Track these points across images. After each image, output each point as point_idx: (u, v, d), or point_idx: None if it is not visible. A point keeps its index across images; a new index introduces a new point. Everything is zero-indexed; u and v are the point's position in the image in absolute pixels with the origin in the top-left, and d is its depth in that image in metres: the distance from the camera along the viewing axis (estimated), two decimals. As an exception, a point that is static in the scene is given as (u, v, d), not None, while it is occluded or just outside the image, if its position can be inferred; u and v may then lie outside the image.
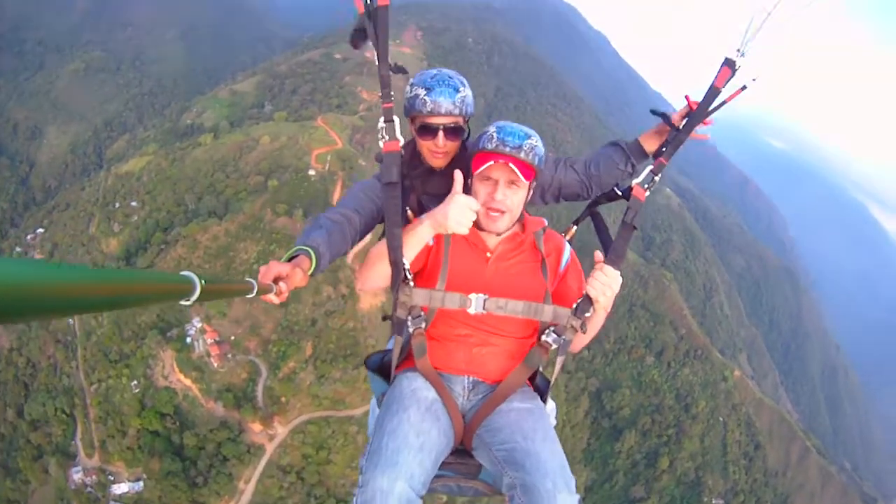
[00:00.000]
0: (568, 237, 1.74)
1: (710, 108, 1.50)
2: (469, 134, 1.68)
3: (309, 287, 37.84)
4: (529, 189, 1.55)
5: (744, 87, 1.47)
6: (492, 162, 1.44)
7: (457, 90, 1.56)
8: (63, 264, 0.44)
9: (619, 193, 1.70)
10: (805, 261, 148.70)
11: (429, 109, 1.53)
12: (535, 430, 1.44)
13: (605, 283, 1.46)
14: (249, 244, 39.37)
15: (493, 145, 1.46)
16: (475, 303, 1.50)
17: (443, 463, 1.47)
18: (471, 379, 1.55)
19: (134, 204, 46.87)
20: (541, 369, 1.63)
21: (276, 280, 1.29)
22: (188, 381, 34.98)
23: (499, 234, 1.56)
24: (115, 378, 35.37)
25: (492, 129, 1.49)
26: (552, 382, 1.62)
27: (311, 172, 43.86)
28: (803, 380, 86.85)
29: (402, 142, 1.51)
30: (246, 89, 61.35)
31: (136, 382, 34.86)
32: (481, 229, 1.55)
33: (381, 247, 1.47)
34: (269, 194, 41.90)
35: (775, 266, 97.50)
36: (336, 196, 40.91)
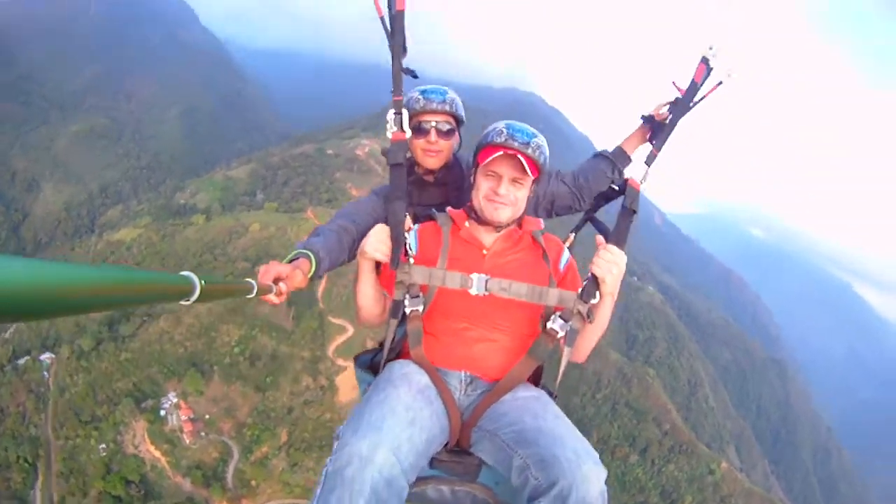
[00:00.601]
0: (567, 244, 1.89)
1: (693, 101, 1.77)
2: (461, 144, 2.07)
3: (288, 375, 48.04)
4: (531, 189, 1.75)
5: (720, 83, 1.75)
6: (500, 153, 1.62)
7: (446, 93, 1.96)
8: (64, 263, 0.49)
9: (617, 189, 1.95)
10: (792, 347, 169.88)
11: (421, 106, 1.91)
12: (546, 411, 1.48)
13: (611, 261, 1.58)
14: (232, 327, 50.34)
15: (503, 139, 1.64)
16: (476, 283, 1.62)
17: (435, 460, 1.52)
18: (468, 375, 1.61)
19: (121, 275, 60.29)
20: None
21: (275, 280, 1.49)
22: (158, 453, 40.47)
23: (497, 230, 1.72)
24: (83, 438, 41.09)
25: (501, 124, 1.69)
26: (559, 378, 1.69)
27: None
28: (795, 465, 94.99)
29: (408, 133, 1.74)
30: (239, 176, 77.50)
31: (104, 446, 40.77)
32: (481, 223, 1.72)
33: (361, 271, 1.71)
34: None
35: (761, 356, 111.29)
36: (322, 288, 52.34)
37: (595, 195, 2.10)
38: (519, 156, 1.62)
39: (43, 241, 71.99)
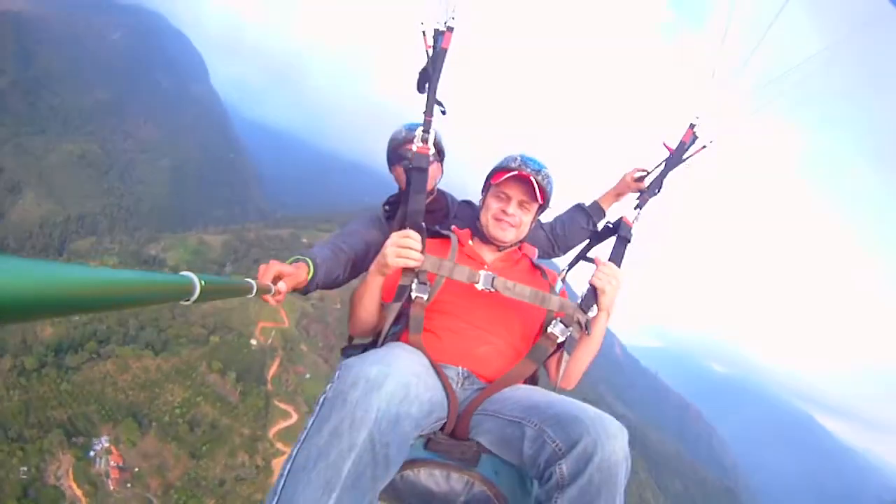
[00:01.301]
0: (560, 278, 2.30)
1: (682, 158, 2.40)
2: (442, 174, 2.58)
3: (225, 447, 59.05)
4: (535, 216, 2.24)
5: (703, 147, 2.39)
6: (514, 173, 2.09)
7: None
8: (65, 264, 0.57)
9: (611, 226, 2.38)
10: (748, 475, 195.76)
11: (403, 136, 2.54)
12: (552, 394, 1.72)
13: (610, 274, 2.01)
14: (177, 388, 61.97)
15: (517, 164, 2.15)
16: (484, 279, 1.97)
17: (431, 441, 1.67)
18: (465, 370, 1.86)
19: (79, 305, 73.88)
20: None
21: (275, 280, 1.75)
22: (79, 492, 46.18)
23: (500, 249, 2.21)
24: (5, 454, 47.10)
25: (516, 153, 2.20)
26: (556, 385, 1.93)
27: (253, 342, 70.53)
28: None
29: (432, 150, 2.14)
30: (213, 243, 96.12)
31: (25, 468, 47.23)
32: (485, 242, 2.22)
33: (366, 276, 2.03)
34: (209, 349, 67.67)
35: (715, 486, 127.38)
36: (273, 371, 64.79)
37: (569, 245, 2.70)
38: (531, 178, 2.10)
39: (11, 246, 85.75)
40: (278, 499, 1.19)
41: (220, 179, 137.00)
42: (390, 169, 2.69)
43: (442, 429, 1.74)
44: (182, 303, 0.95)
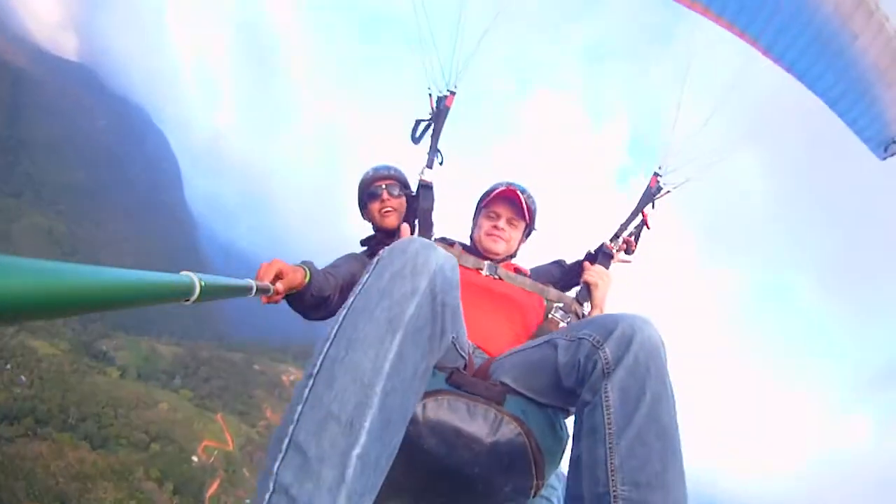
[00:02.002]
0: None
1: (650, 199, 3.18)
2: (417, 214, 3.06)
3: None
4: (523, 235, 2.93)
5: (668, 192, 3.19)
6: (503, 189, 2.77)
7: (391, 166, 3.34)
8: (66, 264, 0.66)
9: (593, 252, 3.00)
10: None
11: (370, 176, 3.28)
12: None
13: (601, 272, 2.68)
14: (110, 487, 70.81)
15: (504, 185, 2.83)
16: (488, 266, 2.60)
17: (455, 372, 1.85)
18: (472, 344, 2.10)
19: (23, 379, 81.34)
20: None
21: (275, 278, 2.07)
22: None
23: (493, 260, 2.77)
24: None
25: (502, 179, 2.90)
26: None
27: (195, 458, 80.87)
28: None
29: (431, 180, 2.95)
30: (165, 353, 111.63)
31: None
32: (481, 256, 2.80)
33: None
34: (148, 455, 78.65)
35: None
36: (212, 491, 74.63)
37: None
38: (518, 195, 2.75)
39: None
40: (336, 333, 1.28)
41: None
42: (363, 212, 3.40)
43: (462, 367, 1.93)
44: (182, 302, 1.09)
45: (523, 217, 2.88)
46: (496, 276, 2.65)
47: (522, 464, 1.78)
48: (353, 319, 1.31)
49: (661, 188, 3.32)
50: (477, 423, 1.77)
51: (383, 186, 3.28)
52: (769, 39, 3.60)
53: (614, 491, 1.37)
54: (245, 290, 1.57)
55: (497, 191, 2.85)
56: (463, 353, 1.93)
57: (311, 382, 1.20)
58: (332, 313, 2.79)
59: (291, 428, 1.13)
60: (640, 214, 3.22)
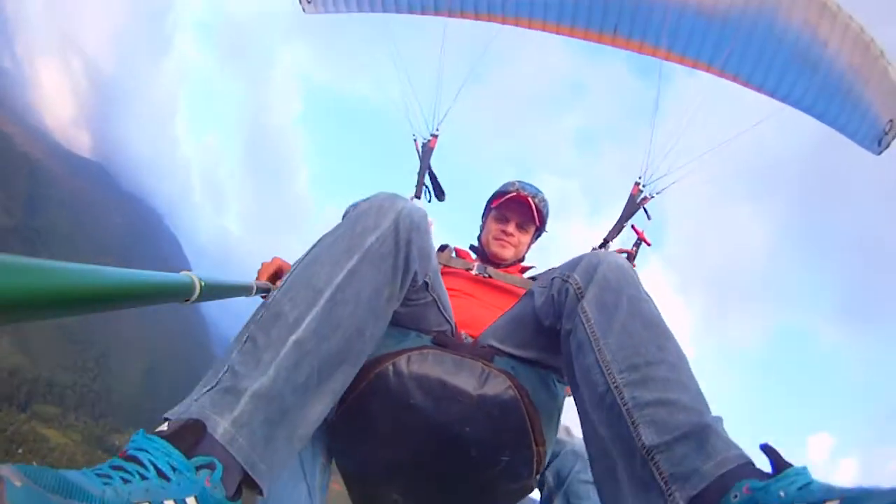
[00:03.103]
0: None
1: (634, 207, 3.28)
2: None
3: None
4: (532, 238, 2.89)
5: (652, 197, 3.29)
6: (514, 193, 2.71)
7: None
8: (66, 263, 0.64)
9: None
10: None
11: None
12: None
13: None
14: None
15: (515, 188, 2.76)
16: (477, 267, 2.59)
17: (437, 335, 1.87)
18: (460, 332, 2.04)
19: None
20: None
21: (275, 277, 2.03)
22: None
23: (499, 266, 2.75)
24: None
25: (514, 179, 2.86)
26: None
27: None
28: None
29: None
30: None
31: None
32: (484, 261, 2.77)
33: None
34: None
35: None
36: None
37: None
38: (529, 200, 2.69)
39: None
40: (303, 258, 1.40)
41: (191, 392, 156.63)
42: None
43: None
44: (182, 302, 1.10)
45: (534, 221, 2.80)
46: (485, 275, 2.59)
47: (517, 420, 1.71)
48: (318, 249, 1.41)
49: (644, 195, 3.40)
50: (463, 375, 1.71)
51: None
52: (748, 73, 3.77)
53: (614, 384, 1.28)
54: (246, 290, 1.59)
55: (508, 195, 2.76)
56: (448, 318, 1.93)
57: (276, 293, 1.31)
58: None
59: (251, 325, 1.24)
60: (633, 229, 3.21)
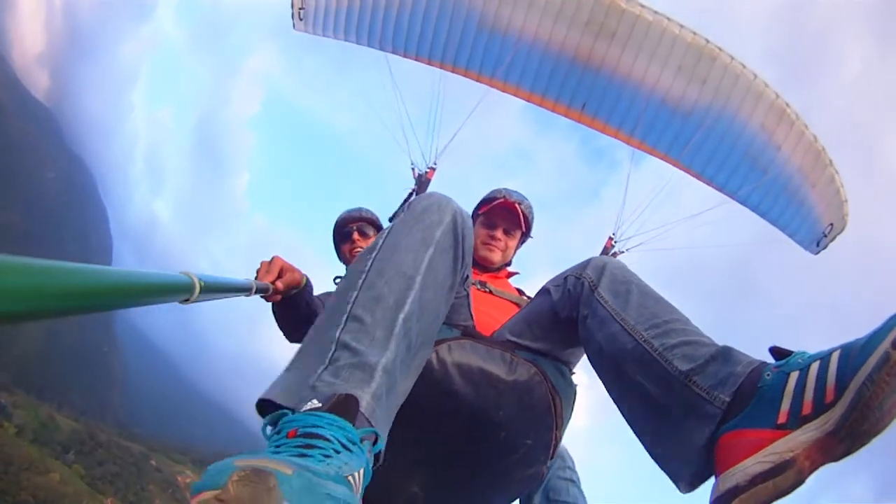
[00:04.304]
0: None
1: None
2: None
3: None
4: (519, 243, 2.98)
5: (622, 252, 3.58)
6: (501, 200, 2.81)
7: (362, 207, 3.43)
8: (64, 263, 0.64)
9: None
10: None
11: (342, 218, 3.38)
12: None
13: None
14: None
15: (502, 195, 2.86)
16: (478, 283, 2.58)
17: (465, 330, 2.00)
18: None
19: None
20: None
21: (276, 277, 2.08)
22: None
23: (486, 269, 2.83)
24: None
25: (500, 187, 2.94)
26: None
27: None
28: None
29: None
30: (62, 425, 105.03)
31: None
32: (475, 265, 2.77)
33: None
34: None
35: None
36: None
37: None
38: (516, 206, 2.82)
39: None
40: (382, 244, 1.50)
41: (88, 369, 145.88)
42: (338, 253, 3.49)
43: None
44: (181, 303, 1.10)
45: (520, 226, 2.92)
46: (486, 290, 2.64)
47: (543, 404, 1.89)
48: (395, 237, 1.51)
49: (616, 251, 3.63)
50: (496, 363, 1.88)
51: (354, 228, 3.39)
52: (701, 166, 3.93)
53: (642, 339, 1.52)
54: (245, 290, 1.59)
55: (496, 202, 2.89)
56: (472, 314, 2.07)
57: (364, 276, 1.40)
58: None
59: (349, 305, 1.32)
60: None
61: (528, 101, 4.05)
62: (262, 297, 2.10)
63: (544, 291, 2.01)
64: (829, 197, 3.78)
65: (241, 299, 1.68)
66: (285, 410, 1.04)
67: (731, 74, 3.61)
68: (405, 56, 4.06)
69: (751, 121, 3.66)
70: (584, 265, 1.85)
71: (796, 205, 3.88)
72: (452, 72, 4.02)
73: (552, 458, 1.98)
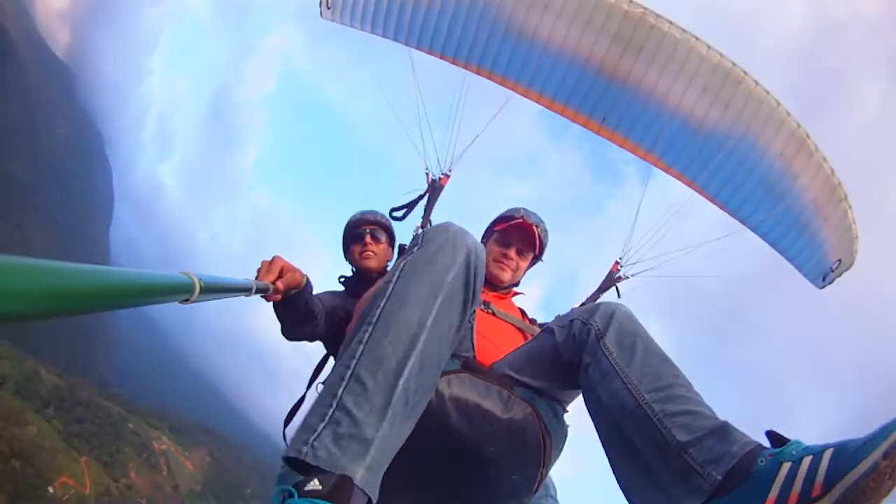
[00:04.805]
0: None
1: (612, 282, 3.77)
2: (392, 257, 3.30)
3: None
4: (529, 265, 2.99)
5: (627, 277, 3.75)
6: (520, 220, 2.83)
7: (378, 211, 3.43)
8: (63, 263, 0.64)
9: None
10: None
11: (357, 218, 3.37)
12: None
13: None
14: None
15: (521, 214, 2.89)
16: (483, 303, 2.56)
17: (466, 362, 2.06)
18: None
19: None
20: None
21: (279, 275, 2.12)
22: None
23: (495, 288, 2.83)
24: None
25: (519, 206, 2.98)
26: None
27: (50, 489, 76.80)
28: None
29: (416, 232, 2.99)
30: (45, 380, 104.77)
31: None
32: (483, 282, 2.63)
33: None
34: (5, 469, 73.48)
35: None
36: None
37: None
38: (532, 228, 2.84)
39: None
40: (391, 292, 1.53)
41: (76, 327, 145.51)
42: (345, 252, 3.48)
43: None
44: (181, 303, 1.11)
45: (534, 249, 2.92)
46: (490, 311, 2.62)
47: (533, 444, 1.93)
48: (404, 285, 1.55)
49: (622, 275, 3.72)
50: (493, 400, 1.93)
51: (367, 231, 3.37)
52: (716, 189, 3.91)
53: (643, 401, 1.57)
54: (245, 290, 1.60)
55: (514, 221, 2.91)
56: (473, 345, 2.17)
57: (370, 329, 1.47)
58: (318, 337, 2.96)
59: (354, 363, 1.40)
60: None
61: (549, 108, 4.01)
62: (262, 296, 2.11)
63: (549, 331, 2.05)
64: (841, 232, 3.77)
65: (241, 298, 1.68)
66: (291, 490, 1.18)
67: (754, 99, 3.59)
68: (430, 53, 4.02)
69: (770, 148, 3.64)
70: (593, 311, 1.89)
71: (808, 237, 3.86)
72: (476, 73, 3.98)
73: (536, 491, 2.02)
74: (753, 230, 3.96)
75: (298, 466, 1.28)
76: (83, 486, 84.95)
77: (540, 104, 4.00)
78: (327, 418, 1.31)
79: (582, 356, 1.83)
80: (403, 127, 3.87)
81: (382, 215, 3.49)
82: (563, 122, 4.05)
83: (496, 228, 2.98)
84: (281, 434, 2.73)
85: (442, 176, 3.60)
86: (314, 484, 1.18)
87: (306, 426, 1.33)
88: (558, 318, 2.19)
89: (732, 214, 3.96)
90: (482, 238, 3.13)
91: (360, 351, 1.42)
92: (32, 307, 0.57)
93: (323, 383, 1.66)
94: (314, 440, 1.27)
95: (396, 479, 1.78)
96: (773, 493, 1.23)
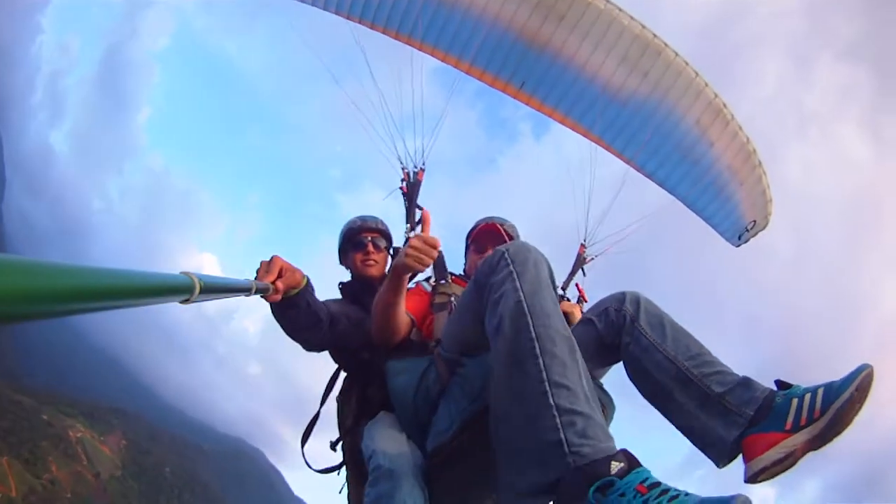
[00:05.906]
0: None
1: (581, 265, 4.09)
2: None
3: None
4: None
5: (592, 258, 4.05)
6: (484, 224, 3.30)
7: (379, 218, 3.46)
8: (62, 262, 0.63)
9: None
10: None
11: (358, 225, 3.38)
12: None
13: (573, 304, 3.33)
14: None
15: (483, 221, 3.37)
16: None
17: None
18: None
19: None
20: None
21: (278, 275, 2.14)
22: None
23: None
24: None
25: (484, 217, 3.48)
26: None
27: None
28: None
29: (410, 233, 3.14)
30: None
31: None
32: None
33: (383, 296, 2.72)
34: None
35: None
36: None
37: None
38: (498, 228, 3.27)
39: None
40: (530, 310, 1.87)
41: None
42: (342, 256, 3.49)
43: None
44: (181, 303, 1.10)
45: (506, 241, 3.10)
46: None
47: None
48: (538, 301, 1.89)
49: (586, 257, 4.05)
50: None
51: (369, 238, 3.34)
52: (633, 153, 4.00)
53: (683, 366, 2.11)
54: (245, 290, 1.57)
55: (480, 227, 3.36)
56: None
57: (537, 343, 1.78)
58: (327, 343, 2.92)
59: (544, 374, 1.71)
60: (577, 288, 3.76)
61: (467, 73, 3.94)
62: (262, 297, 2.08)
63: (587, 321, 2.47)
64: (756, 195, 3.98)
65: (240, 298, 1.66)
66: (613, 479, 1.46)
67: (673, 70, 3.65)
68: (348, 18, 3.82)
69: (687, 115, 3.74)
70: (622, 299, 2.36)
71: (723, 199, 4.05)
72: (395, 39, 3.82)
73: None
74: (671, 192, 4.13)
75: (587, 478, 1.50)
76: (8, 489, 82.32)
77: (459, 69, 3.92)
78: (560, 426, 1.61)
79: (621, 337, 2.31)
80: (375, 131, 3.73)
81: (382, 221, 3.47)
82: (457, 78, 4.02)
83: (469, 241, 3.40)
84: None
85: (418, 170, 3.57)
86: (617, 463, 1.50)
87: (552, 448, 1.61)
88: (591, 310, 2.59)
89: (649, 176, 4.10)
90: (465, 254, 3.53)
91: (541, 363, 1.73)
92: (33, 307, 0.56)
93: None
94: (571, 450, 1.55)
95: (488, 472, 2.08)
96: (790, 418, 1.84)
